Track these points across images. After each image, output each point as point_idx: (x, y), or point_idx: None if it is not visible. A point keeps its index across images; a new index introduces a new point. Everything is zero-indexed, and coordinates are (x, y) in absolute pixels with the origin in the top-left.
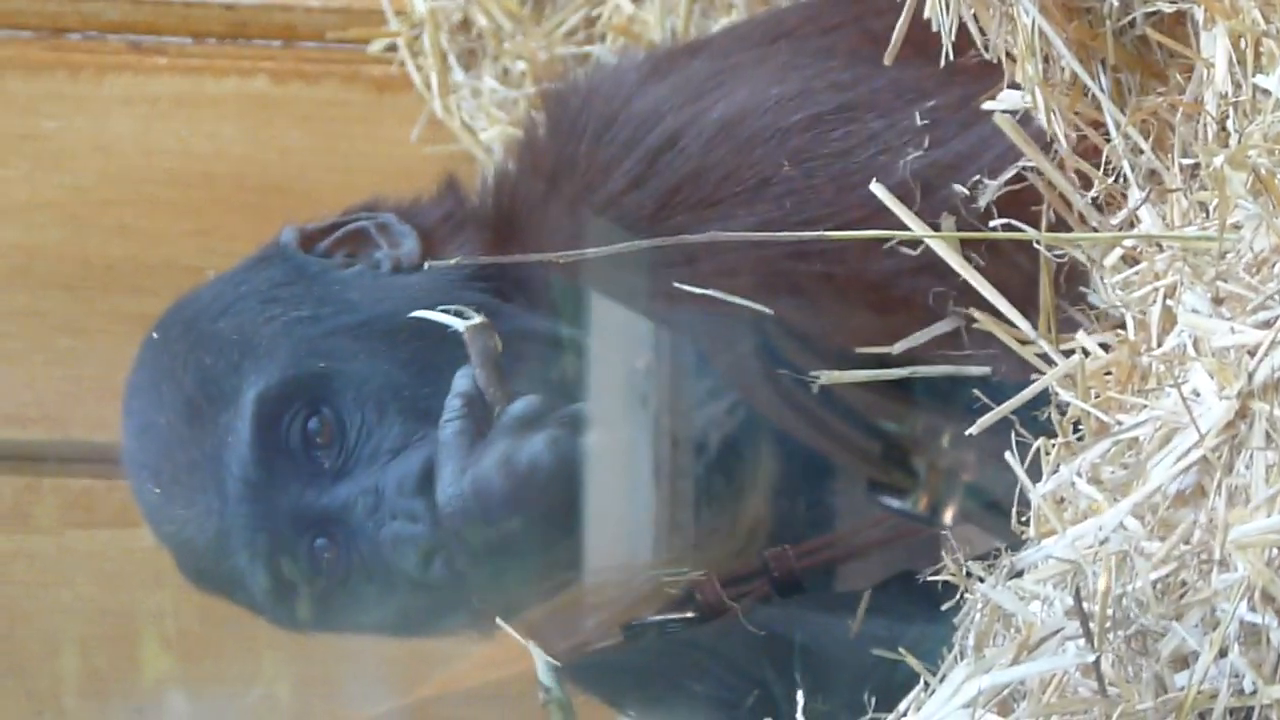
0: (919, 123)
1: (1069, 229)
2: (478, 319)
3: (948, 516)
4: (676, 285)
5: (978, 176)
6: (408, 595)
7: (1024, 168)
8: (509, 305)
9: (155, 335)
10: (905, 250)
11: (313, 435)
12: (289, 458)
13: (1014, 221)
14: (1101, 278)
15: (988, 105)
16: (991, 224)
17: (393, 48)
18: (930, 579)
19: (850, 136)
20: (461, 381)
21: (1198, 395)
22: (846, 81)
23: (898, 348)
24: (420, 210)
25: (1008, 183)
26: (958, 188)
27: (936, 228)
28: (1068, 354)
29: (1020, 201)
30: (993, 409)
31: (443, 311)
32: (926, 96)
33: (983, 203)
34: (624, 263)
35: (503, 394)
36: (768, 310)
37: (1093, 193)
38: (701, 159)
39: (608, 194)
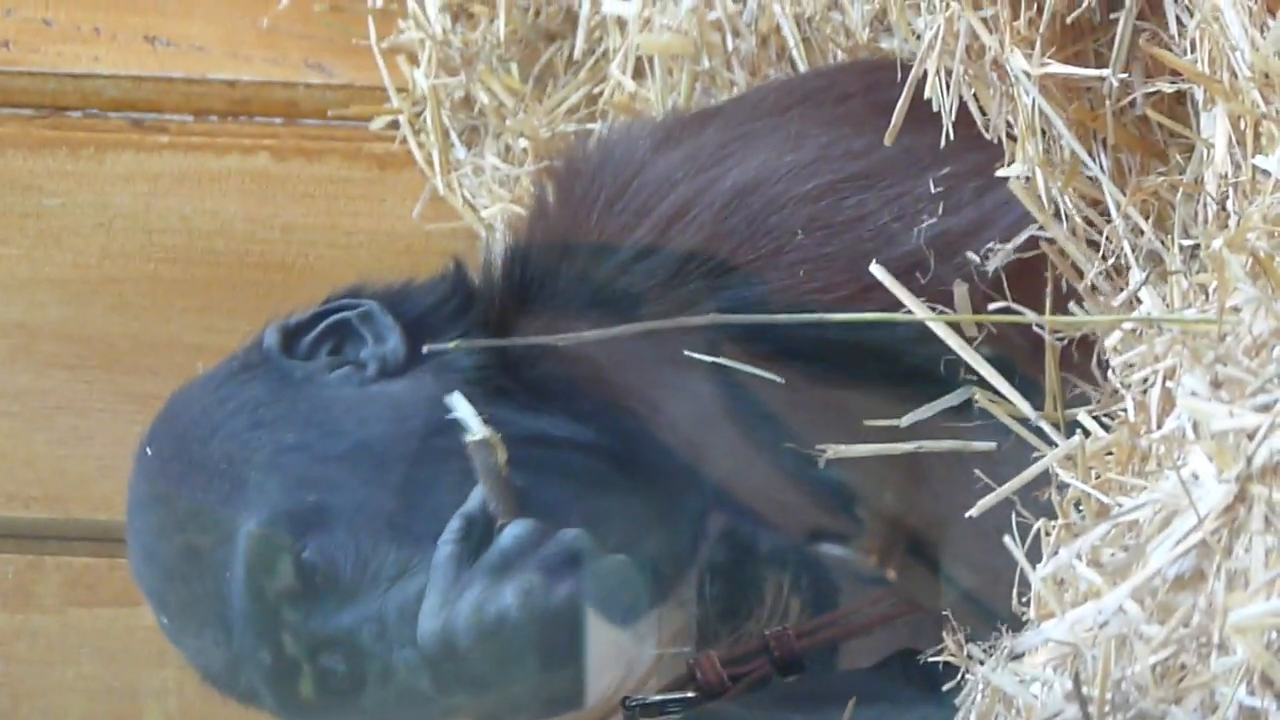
0: (932, 190)
1: (1079, 298)
2: (482, 432)
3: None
4: (686, 353)
5: (991, 243)
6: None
7: (1036, 235)
8: (512, 402)
9: (148, 451)
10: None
11: (309, 569)
12: (288, 592)
13: (1014, 305)
14: (1103, 357)
15: (1002, 172)
16: (1002, 294)
17: (395, 125)
18: (931, 659)
19: (864, 204)
20: (471, 499)
21: (1196, 478)
22: (860, 149)
23: (905, 421)
24: (412, 294)
25: (1019, 249)
26: (971, 255)
27: (950, 295)
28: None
29: (1032, 269)
30: (993, 488)
31: (457, 415)
32: (940, 164)
33: (991, 268)
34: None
35: (508, 512)
36: (778, 379)
37: (1093, 272)
38: (715, 227)
39: (620, 263)
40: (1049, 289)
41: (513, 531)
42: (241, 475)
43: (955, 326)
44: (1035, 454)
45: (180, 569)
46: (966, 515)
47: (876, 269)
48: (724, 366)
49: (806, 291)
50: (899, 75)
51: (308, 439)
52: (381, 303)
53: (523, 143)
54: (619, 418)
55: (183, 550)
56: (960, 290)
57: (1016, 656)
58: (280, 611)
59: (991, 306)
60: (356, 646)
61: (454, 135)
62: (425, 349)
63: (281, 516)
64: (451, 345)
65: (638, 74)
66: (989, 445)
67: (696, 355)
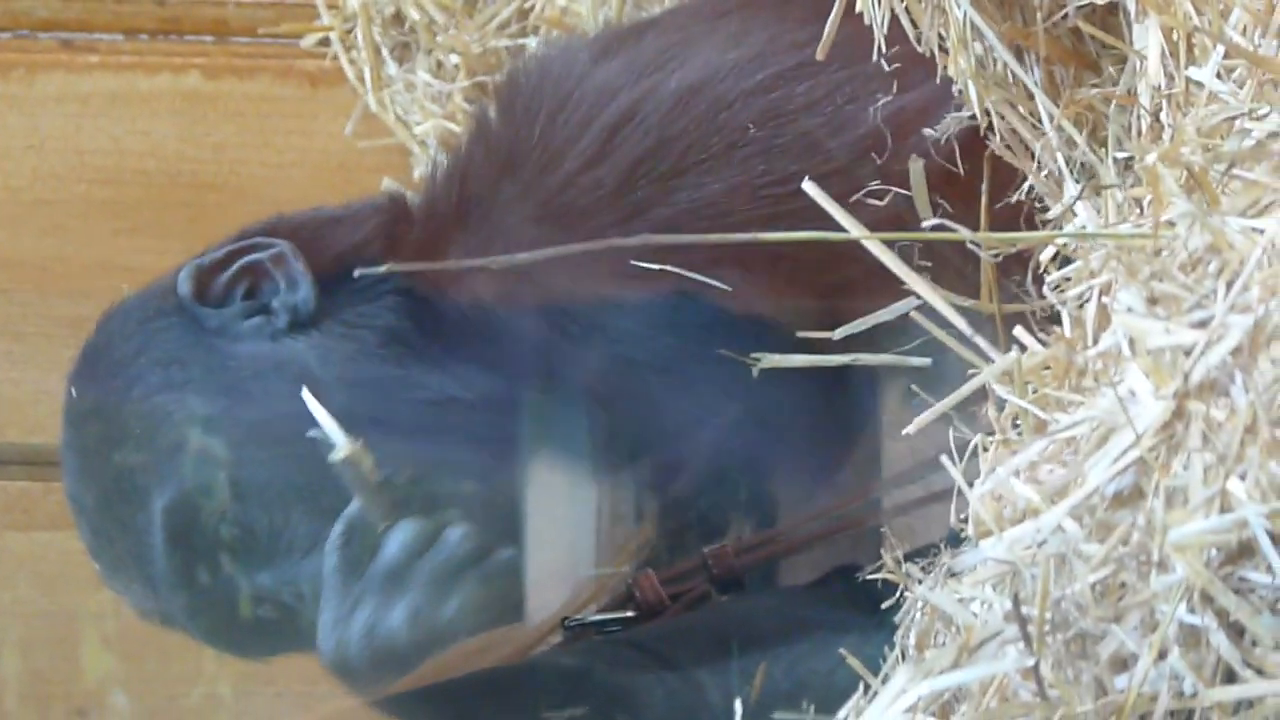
0: (885, 69)
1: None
2: (348, 448)
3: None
4: (633, 264)
5: (947, 118)
6: None
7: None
8: (423, 359)
9: (73, 393)
10: (873, 202)
11: (225, 539)
12: (209, 558)
13: (948, 223)
14: (1038, 271)
15: None
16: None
17: (326, 42)
18: (869, 577)
19: (815, 90)
20: (352, 504)
21: (1134, 395)
22: (804, 40)
23: (839, 334)
24: (332, 231)
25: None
26: (928, 131)
27: (906, 173)
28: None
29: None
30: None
31: (316, 434)
32: (888, 45)
33: (943, 136)
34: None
35: (389, 515)
36: (725, 287)
37: (1026, 186)
38: (662, 130)
39: (565, 175)
40: (982, 214)
41: (396, 539)
42: (156, 444)
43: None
44: (972, 370)
45: (102, 523)
46: (903, 432)
47: (809, 186)
48: (663, 284)
49: (765, 185)
50: None
51: (217, 406)
52: (298, 241)
53: (454, 58)
54: (541, 355)
55: (106, 507)
56: (916, 166)
57: (955, 575)
58: (196, 582)
59: (926, 223)
60: (275, 611)
61: (385, 52)
62: (356, 273)
63: (194, 491)
64: (383, 269)
65: None
66: (924, 361)
67: (643, 265)
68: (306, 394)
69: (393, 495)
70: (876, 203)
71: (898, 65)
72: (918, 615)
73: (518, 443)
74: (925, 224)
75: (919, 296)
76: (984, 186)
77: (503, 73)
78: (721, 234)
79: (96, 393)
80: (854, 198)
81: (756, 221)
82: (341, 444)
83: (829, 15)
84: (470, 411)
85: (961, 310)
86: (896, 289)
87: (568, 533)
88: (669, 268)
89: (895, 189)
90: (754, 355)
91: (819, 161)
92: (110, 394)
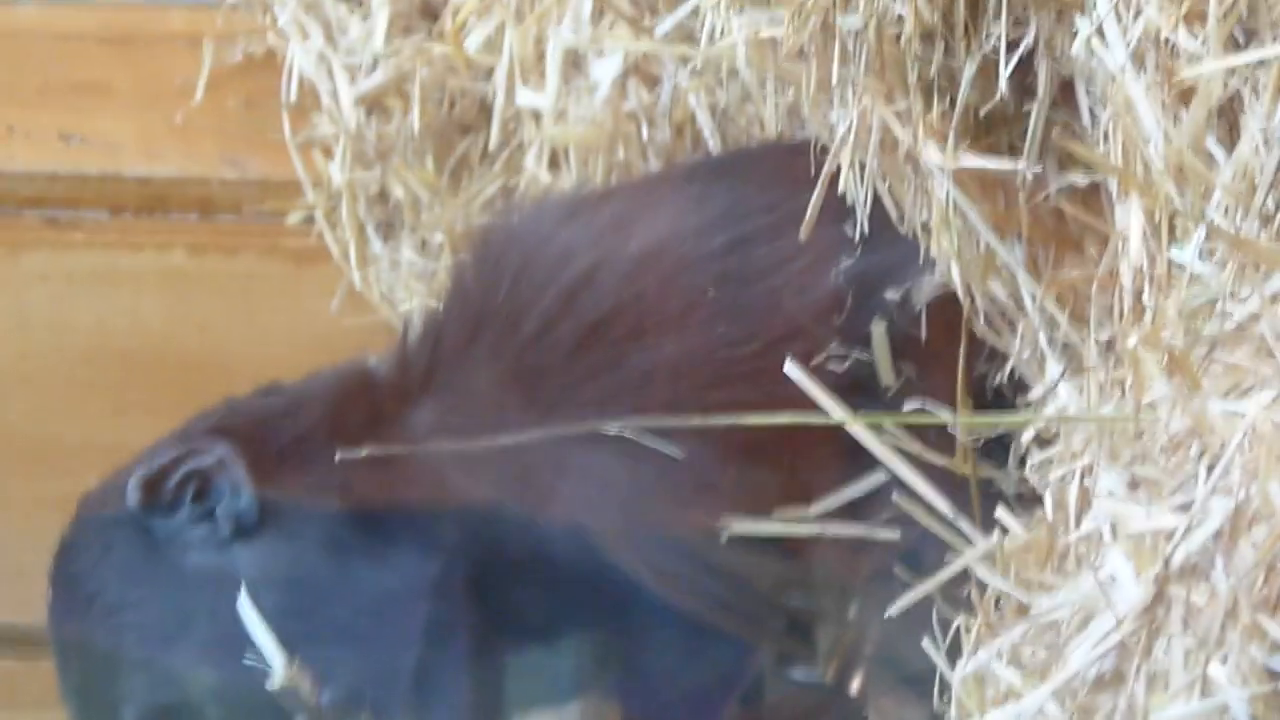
0: (847, 235)
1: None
2: (284, 672)
3: (855, 686)
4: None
5: (909, 283)
6: None
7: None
8: (368, 557)
9: (50, 595)
10: (833, 369)
11: None
12: None
13: (928, 406)
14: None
15: None
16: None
17: (310, 219)
18: None
19: (776, 253)
20: None
21: (1114, 579)
22: (768, 204)
23: (815, 509)
24: (279, 424)
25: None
26: (890, 295)
27: (869, 335)
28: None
29: (952, 307)
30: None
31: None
32: (853, 212)
33: (919, 303)
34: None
35: None
36: (677, 455)
37: (1009, 367)
38: (621, 293)
39: (524, 338)
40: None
41: None
42: (111, 661)
43: (875, 429)
44: (951, 552)
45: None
46: (885, 615)
47: (791, 368)
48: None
49: (724, 346)
50: (811, 160)
51: (168, 628)
52: (240, 441)
53: (439, 236)
54: (498, 542)
55: (78, 708)
56: (879, 329)
57: None
58: None
59: (907, 406)
60: None
61: (370, 229)
62: (337, 457)
63: (155, 712)
64: (364, 452)
65: (553, 166)
66: (892, 534)
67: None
68: (244, 609)
69: (337, 715)
70: (836, 369)
71: (864, 231)
72: None
73: (469, 648)
74: (907, 407)
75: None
76: (961, 365)
77: (474, 234)
78: (704, 418)
79: (66, 600)
80: (814, 361)
81: (715, 383)
82: (278, 668)
83: (794, 181)
84: (416, 618)
85: (941, 487)
86: (856, 456)
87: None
88: (627, 434)
89: (856, 355)
90: (723, 520)
91: (779, 323)
92: (76, 606)
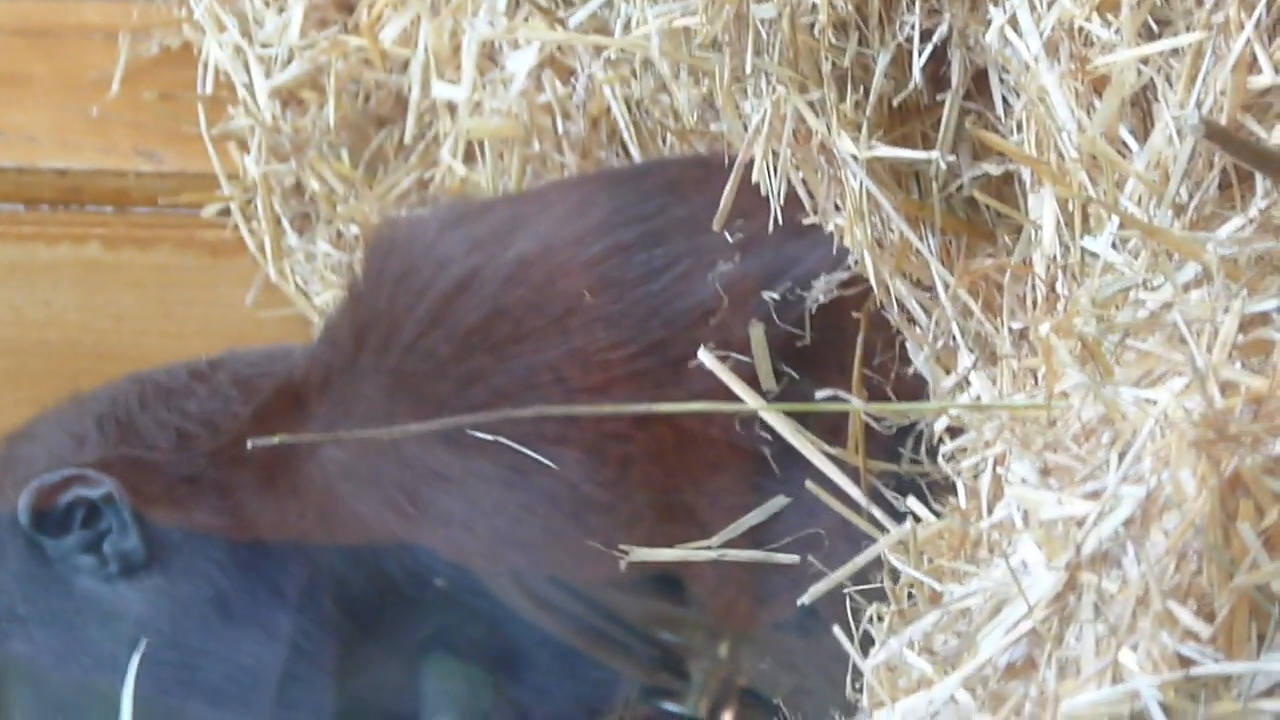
0: (728, 240)
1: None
2: None
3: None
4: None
5: (790, 284)
6: None
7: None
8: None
9: None
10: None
11: None
12: None
13: (840, 394)
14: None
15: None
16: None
17: (226, 212)
18: None
19: (655, 259)
20: None
21: (1026, 566)
22: (649, 212)
23: (718, 540)
24: (164, 460)
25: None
26: (767, 295)
27: (746, 336)
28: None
29: (838, 308)
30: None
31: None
32: (734, 219)
33: (813, 301)
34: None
35: None
36: (552, 465)
37: (922, 356)
38: (498, 298)
39: (403, 343)
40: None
41: None
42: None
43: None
44: (866, 541)
45: None
46: (799, 602)
47: (704, 354)
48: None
49: (603, 349)
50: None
51: (48, 659)
52: (126, 477)
53: (354, 229)
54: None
55: None
56: (756, 332)
57: None
58: None
59: (820, 394)
60: None
61: (285, 222)
62: (249, 444)
63: None
64: (275, 440)
65: (469, 158)
66: (791, 559)
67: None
68: (130, 678)
69: None
70: (720, 364)
71: (745, 237)
72: None
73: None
74: (820, 394)
75: (786, 497)
76: (859, 354)
77: (365, 240)
78: (615, 405)
79: None
80: (692, 363)
81: (593, 388)
82: None
83: (679, 188)
84: (298, 673)
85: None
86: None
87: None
88: (502, 440)
89: (734, 354)
90: (622, 547)
91: (657, 326)
92: None
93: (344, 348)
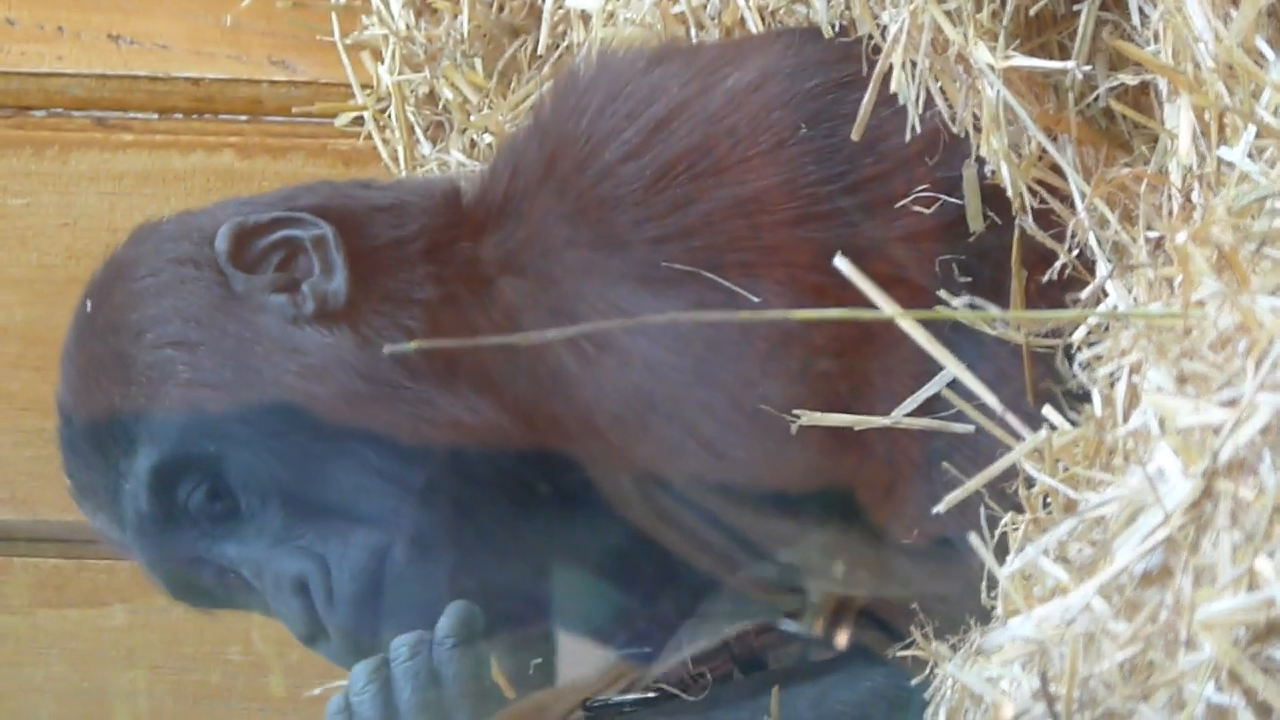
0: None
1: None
2: None
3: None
4: (663, 265)
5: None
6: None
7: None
8: (451, 393)
9: (88, 307)
10: (920, 209)
11: (206, 505)
12: (183, 517)
13: (978, 300)
14: (1070, 351)
15: None
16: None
17: (359, 121)
18: (900, 653)
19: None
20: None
21: (1163, 474)
22: (855, 51)
23: (893, 419)
24: (381, 220)
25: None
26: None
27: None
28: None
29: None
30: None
31: None
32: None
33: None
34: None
35: None
36: (754, 298)
37: (1058, 265)
38: (709, 127)
39: (603, 166)
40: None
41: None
42: (158, 393)
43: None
44: (1002, 449)
45: (83, 448)
46: (934, 511)
47: (841, 262)
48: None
49: (813, 184)
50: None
51: (226, 376)
52: (343, 226)
53: (487, 138)
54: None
55: (93, 440)
56: (970, 171)
57: (984, 653)
58: (162, 540)
59: (956, 302)
60: (232, 580)
61: (419, 131)
62: (385, 350)
63: (181, 457)
64: (411, 346)
65: None
66: (967, 428)
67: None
68: None
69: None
70: (923, 210)
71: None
72: (949, 692)
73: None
74: (956, 302)
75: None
76: (1015, 259)
77: (562, 70)
78: (751, 311)
79: (109, 321)
80: (901, 203)
81: (794, 220)
82: None
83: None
84: (480, 458)
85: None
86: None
87: (592, 608)
88: (700, 270)
89: (944, 197)
90: (795, 411)
91: (869, 164)
92: (122, 330)
93: (530, 171)
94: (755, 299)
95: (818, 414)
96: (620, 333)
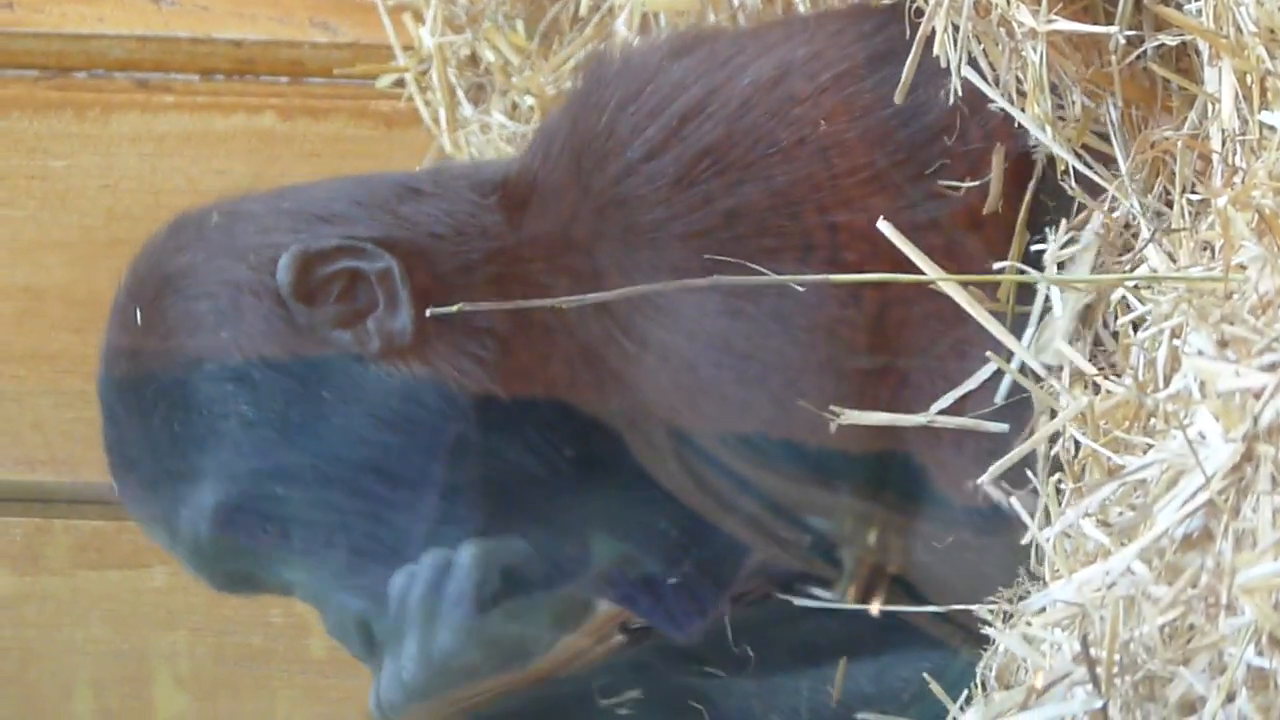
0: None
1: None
2: None
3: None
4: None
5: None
6: None
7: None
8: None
9: (136, 316)
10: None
11: (265, 538)
12: (243, 555)
13: (1019, 265)
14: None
15: None
16: None
17: (400, 83)
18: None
19: (884, 83)
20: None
21: (1203, 438)
22: (870, 30)
23: (930, 414)
24: (444, 248)
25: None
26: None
27: (988, 150)
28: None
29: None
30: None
31: None
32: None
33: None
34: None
35: None
36: (799, 287)
37: (1098, 226)
38: (732, 123)
39: (626, 163)
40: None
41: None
42: (220, 432)
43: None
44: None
45: (129, 453)
46: (975, 483)
47: (884, 225)
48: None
49: (834, 178)
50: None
51: (291, 417)
52: (407, 259)
53: (529, 100)
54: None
55: (149, 465)
56: (998, 155)
57: (1025, 616)
58: (215, 561)
59: (996, 265)
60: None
61: (460, 93)
62: (428, 312)
63: (244, 501)
64: (454, 309)
65: (643, 30)
66: (1001, 427)
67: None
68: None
69: None
70: (953, 192)
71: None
72: (999, 653)
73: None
74: (996, 265)
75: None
76: (1020, 221)
77: (587, 63)
78: (793, 275)
79: (164, 344)
80: (926, 184)
81: (825, 212)
82: None
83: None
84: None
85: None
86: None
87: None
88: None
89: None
90: (833, 409)
91: (890, 152)
92: (178, 355)
93: (558, 164)
94: (800, 287)
95: (855, 412)
96: (653, 325)
